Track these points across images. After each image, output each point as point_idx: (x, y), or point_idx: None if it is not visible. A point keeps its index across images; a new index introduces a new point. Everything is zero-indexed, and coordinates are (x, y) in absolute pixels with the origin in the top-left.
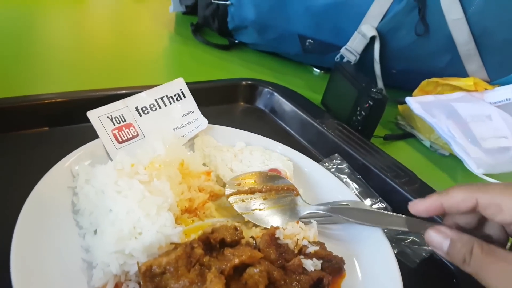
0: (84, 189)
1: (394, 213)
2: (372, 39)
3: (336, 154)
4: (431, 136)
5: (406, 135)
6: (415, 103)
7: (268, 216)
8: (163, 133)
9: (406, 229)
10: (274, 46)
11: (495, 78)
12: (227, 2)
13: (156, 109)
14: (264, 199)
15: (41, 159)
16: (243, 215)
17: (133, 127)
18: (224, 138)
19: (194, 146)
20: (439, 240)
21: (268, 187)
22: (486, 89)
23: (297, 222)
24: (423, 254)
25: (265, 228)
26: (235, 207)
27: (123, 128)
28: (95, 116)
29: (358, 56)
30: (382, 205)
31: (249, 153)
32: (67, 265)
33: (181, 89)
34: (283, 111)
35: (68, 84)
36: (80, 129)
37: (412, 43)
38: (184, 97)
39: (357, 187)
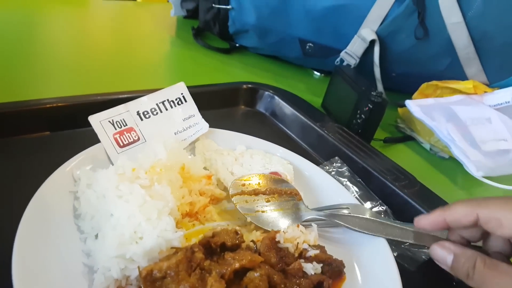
0: (85, 194)
1: (395, 223)
2: (372, 42)
3: (336, 157)
4: (431, 139)
5: (406, 138)
6: (415, 106)
7: (270, 218)
8: (164, 137)
9: (406, 240)
10: (274, 50)
11: (494, 81)
12: (228, 7)
13: (157, 113)
14: (267, 202)
15: (43, 163)
16: (245, 216)
17: (134, 131)
18: (225, 142)
19: (195, 150)
20: (443, 255)
21: (271, 190)
22: (485, 92)
23: (298, 226)
24: (423, 257)
25: (265, 232)
26: (238, 207)
27: (124, 133)
28: (96, 120)
29: (358, 60)
30: (382, 208)
31: (249, 156)
32: (69, 270)
33: (182, 93)
34: (283, 114)
35: (69, 88)
36: (82, 133)
37: (412, 47)
38: (185, 101)
39: (357, 190)
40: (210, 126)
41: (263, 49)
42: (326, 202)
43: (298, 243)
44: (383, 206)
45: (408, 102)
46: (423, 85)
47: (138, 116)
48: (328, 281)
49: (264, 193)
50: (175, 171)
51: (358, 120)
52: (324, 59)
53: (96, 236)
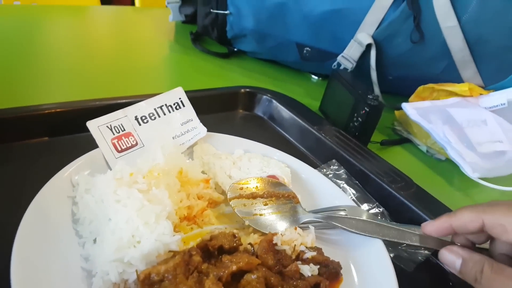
0: (84, 199)
1: (391, 224)
2: (368, 46)
3: (334, 160)
4: (428, 141)
5: (403, 140)
6: (411, 109)
7: (268, 221)
8: (162, 142)
9: (402, 241)
10: (272, 54)
11: (490, 84)
12: (226, 12)
13: (155, 118)
14: (264, 205)
15: (41, 169)
16: (243, 219)
17: (133, 136)
18: (223, 146)
19: (193, 154)
20: (452, 259)
21: (269, 193)
22: (481, 94)
23: (295, 228)
24: (420, 258)
25: (263, 234)
26: (236, 210)
27: (123, 137)
28: (94, 126)
29: (354, 64)
30: (379, 210)
31: (247, 160)
32: (67, 274)
33: (180, 98)
34: (281, 118)
35: (68, 94)
36: (80, 138)
37: (408, 51)
38: (183, 105)
39: (354, 192)
40: (208, 130)
41: (261, 54)
42: (324, 204)
43: (295, 245)
44: (380, 208)
45: (404, 105)
46: (420, 88)
47: (136, 121)
48: (325, 282)
49: (261, 197)
50: (173, 175)
51: (355, 123)
52: (322, 63)
53: (95, 240)
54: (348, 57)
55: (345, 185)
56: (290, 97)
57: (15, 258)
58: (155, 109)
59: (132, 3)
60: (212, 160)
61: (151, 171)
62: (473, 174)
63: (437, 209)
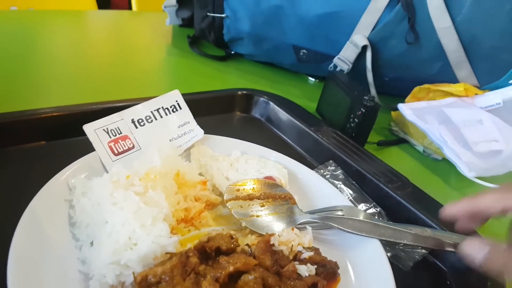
0: (80, 202)
1: (388, 224)
2: (364, 48)
3: (331, 161)
4: (424, 141)
5: (400, 141)
6: (408, 109)
7: (265, 222)
8: (159, 144)
9: (399, 241)
10: (269, 57)
11: (485, 84)
12: (223, 15)
13: (152, 120)
14: (261, 206)
15: (38, 173)
16: (240, 221)
17: (129, 139)
18: (220, 148)
19: (190, 156)
20: (475, 250)
21: (266, 195)
22: (476, 94)
23: (292, 229)
24: (417, 257)
25: (260, 236)
26: (233, 212)
27: (119, 140)
28: (91, 129)
29: (350, 65)
30: (376, 210)
31: (244, 161)
32: (64, 277)
33: (176, 101)
34: (279, 120)
35: (66, 98)
36: (77, 142)
37: (403, 52)
38: (180, 108)
39: (351, 192)
40: (206, 133)
41: (258, 56)
42: (321, 205)
43: (292, 245)
44: (377, 208)
45: (400, 106)
46: (416, 89)
47: (132, 124)
48: (322, 282)
49: (258, 198)
50: (169, 178)
51: (351, 124)
52: (318, 65)
53: (92, 243)
54: (344, 58)
55: (342, 186)
56: (287, 99)
57: (12, 262)
58: (151, 111)
59: (129, 7)
60: (209, 162)
61: (147, 173)
62: (469, 173)
63: (434, 208)
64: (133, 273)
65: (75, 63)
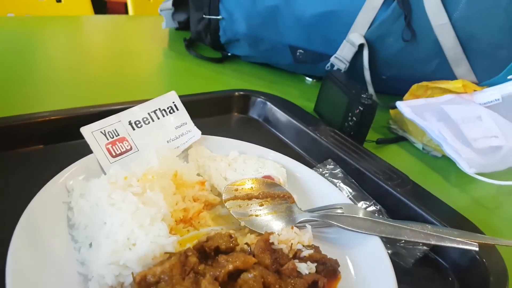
0: (78, 204)
1: (388, 221)
2: (361, 47)
3: (329, 160)
4: (423, 139)
5: (399, 139)
6: (406, 107)
7: (264, 222)
8: (157, 146)
9: (400, 238)
10: (266, 58)
11: (483, 80)
12: (219, 17)
13: (149, 122)
14: (260, 206)
15: (36, 177)
16: (239, 220)
17: (127, 141)
18: (218, 148)
19: (188, 157)
20: None
21: (264, 194)
22: (475, 90)
23: (292, 228)
24: (418, 254)
25: (259, 235)
26: (232, 212)
27: (117, 142)
28: (88, 131)
29: (348, 64)
30: (376, 208)
31: (242, 161)
32: (63, 279)
33: (173, 102)
34: (276, 120)
35: (63, 103)
36: (75, 145)
37: (400, 49)
38: (177, 109)
39: (350, 191)
40: (204, 134)
41: (255, 57)
42: (320, 203)
43: (292, 244)
44: (377, 205)
45: (399, 103)
46: (414, 86)
47: (130, 125)
48: (323, 280)
49: (257, 197)
50: (167, 178)
51: (350, 122)
52: (315, 65)
53: (90, 244)
54: (341, 57)
55: (341, 184)
56: (284, 99)
57: (11, 264)
58: (148, 113)
59: (126, 12)
60: (207, 162)
61: (145, 174)
62: (469, 170)
63: (434, 205)
64: (132, 273)
65: (73, 68)
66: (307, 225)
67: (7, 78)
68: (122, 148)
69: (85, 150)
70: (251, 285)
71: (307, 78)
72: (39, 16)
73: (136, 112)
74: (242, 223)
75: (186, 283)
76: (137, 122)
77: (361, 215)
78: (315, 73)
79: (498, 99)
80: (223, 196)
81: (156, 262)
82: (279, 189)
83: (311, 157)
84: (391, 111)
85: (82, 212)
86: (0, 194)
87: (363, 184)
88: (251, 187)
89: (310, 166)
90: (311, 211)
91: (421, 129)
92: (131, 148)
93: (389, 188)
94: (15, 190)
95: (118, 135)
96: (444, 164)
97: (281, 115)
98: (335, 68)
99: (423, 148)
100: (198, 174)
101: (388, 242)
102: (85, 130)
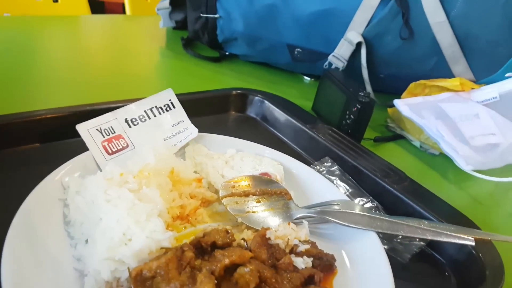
0: (74, 200)
1: (384, 216)
2: (359, 45)
3: (327, 157)
4: (421, 137)
5: (396, 137)
6: (404, 105)
7: (261, 218)
8: (153, 143)
9: (396, 233)
10: (264, 57)
11: (481, 78)
12: (216, 16)
13: (145, 120)
14: (257, 202)
15: (33, 175)
16: (236, 217)
17: (123, 138)
18: (215, 146)
19: (185, 155)
20: None
21: (261, 191)
22: (472, 88)
23: (289, 224)
24: (414, 249)
25: (256, 231)
26: (229, 208)
27: (113, 140)
28: (84, 129)
29: (345, 63)
30: (373, 204)
31: (240, 159)
32: (59, 275)
33: (170, 100)
34: (274, 118)
35: (60, 102)
36: (72, 143)
37: (398, 48)
38: (174, 107)
39: (347, 188)
40: (202, 132)
41: (252, 57)
42: (317, 200)
43: (288, 239)
44: (374, 202)
45: (396, 102)
46: (412, 85)
47: (126, 123)
48: (319, 274)
49: (254, 194)
50: (164, 175)
51: (347, 120)
52: (313, 64)
53: (86, 241)
54: (339, 56)
55: (339, 181)
56: (281, 97)
57: (6, 260)
58: (145, 111)
59: (123, 12)
60: (204, 160)
61: (141, 171)
62: (466, 167)
63: (431, 201)
64: (128, 268)
65: (70, 67)
66: (304, 221)
67: (3, 77)
68: (119, 146)
69: (82, 149)
70: (247, 279)
71: (305, 77)
72: (36, 16)
73: (133, 110)
74: (239, 220)
75: (182, 277)
76: (134, 120)
77: (357, 211)
78: (313, 72)
79: (496, 97)
80: (220, 193)
81: (152, 257)
82: (276, 186)
83: (309, 155)
84: (389, 109)
85: (78, 208)
86: None
87: (360, 181)
88: (248, 184)
89: (308, 164)
90: (308, 207)
91: (418, 127)
92: (127, 146)
93: (386, 185)
94: (11, 188)
95: (114, 132)
96: (441, 162)
97: (279, 114)
98: (333, 66)
99: (420, 146)
100: (195, 172)
101: (385, 237)
102: (81, 128)
